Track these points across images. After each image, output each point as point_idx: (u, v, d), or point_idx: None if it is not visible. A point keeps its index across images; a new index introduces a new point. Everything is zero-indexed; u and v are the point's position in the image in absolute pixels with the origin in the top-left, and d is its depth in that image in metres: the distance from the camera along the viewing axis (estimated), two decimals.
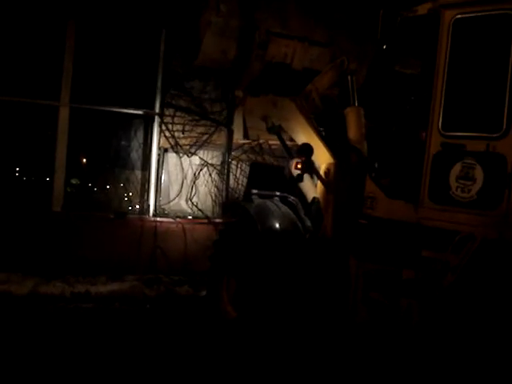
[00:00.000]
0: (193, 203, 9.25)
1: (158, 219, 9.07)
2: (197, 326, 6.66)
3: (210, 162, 9.37)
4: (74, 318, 6.86)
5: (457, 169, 4.74)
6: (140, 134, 9.35)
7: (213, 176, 9.37)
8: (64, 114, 8.78)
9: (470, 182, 4.66)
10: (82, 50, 8.81)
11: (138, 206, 9.29)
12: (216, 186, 9.40)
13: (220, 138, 9.42)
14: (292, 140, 7.09)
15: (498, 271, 4.33)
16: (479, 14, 4.78)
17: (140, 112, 9.23)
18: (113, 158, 9.30)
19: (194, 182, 9.27)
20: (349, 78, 6.20)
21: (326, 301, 5.72)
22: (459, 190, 4.71)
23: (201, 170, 9.31)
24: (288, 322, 5.75)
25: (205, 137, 9.32)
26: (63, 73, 8.75)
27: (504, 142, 4.51)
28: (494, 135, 4.57)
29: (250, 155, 9.31)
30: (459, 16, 4.88)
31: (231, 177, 9.46)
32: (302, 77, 7.07)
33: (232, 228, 6.72)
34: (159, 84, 9.18)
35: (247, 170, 9.47)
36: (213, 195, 9.40)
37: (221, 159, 9.44)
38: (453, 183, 4.75)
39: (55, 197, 8.75)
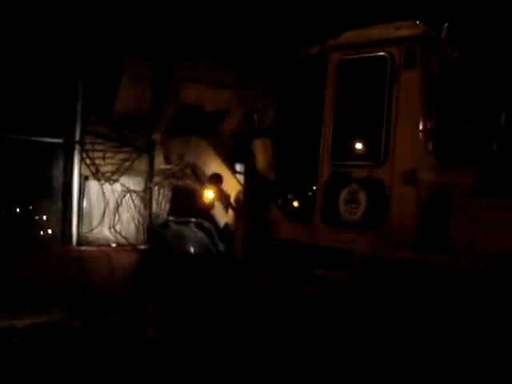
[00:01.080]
0: (116, 230, 9.99)
1: (82, 248, 9.70)
2: (122, 351, 7.32)
3: (132, 188, 10.17)
4: None
5: (344, 194, 5.71)
6: (60, 163, 10.03)
7: (135, 202, 10.17)
8: None
9: (355, 205, 5.65)
10: None
11: (60, 236, 9.91)
12: (139, 212, 10.19)
13: (141, 164, 10.20)
14: None
15: (376, 284, 5.30)
16: (361, 55, 5.77)
17: (59, 140, 9.92)
18: (33, 188, 9.86)
19: (117, 209, 10.03)
20: (255, 116, 7.20)
21: (237, 318, 6.64)
22: (347, 212, 5.70)
23: (123, 196, 10.08)
24: (203, 337, 6.67)
25: (126, 163, 10.11)
26: None
27: (382, 169, 5.51)
28: (374, 163, 5.59)
29: (172, 180, 9.94)
30: (344, 57, 5.87)
31: (154, 202, 10.24)
32: (214, 116, 8.09)
33: (150, 254, 7.62)
34: (79, 112, 9.92)
35: (169, 195, 10.28)
36: (136, 221, 10.18)
37: (143, 185, 10.23)
38: (341, 207, 5.72)
39: None
